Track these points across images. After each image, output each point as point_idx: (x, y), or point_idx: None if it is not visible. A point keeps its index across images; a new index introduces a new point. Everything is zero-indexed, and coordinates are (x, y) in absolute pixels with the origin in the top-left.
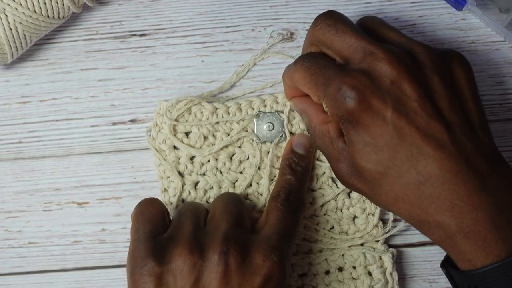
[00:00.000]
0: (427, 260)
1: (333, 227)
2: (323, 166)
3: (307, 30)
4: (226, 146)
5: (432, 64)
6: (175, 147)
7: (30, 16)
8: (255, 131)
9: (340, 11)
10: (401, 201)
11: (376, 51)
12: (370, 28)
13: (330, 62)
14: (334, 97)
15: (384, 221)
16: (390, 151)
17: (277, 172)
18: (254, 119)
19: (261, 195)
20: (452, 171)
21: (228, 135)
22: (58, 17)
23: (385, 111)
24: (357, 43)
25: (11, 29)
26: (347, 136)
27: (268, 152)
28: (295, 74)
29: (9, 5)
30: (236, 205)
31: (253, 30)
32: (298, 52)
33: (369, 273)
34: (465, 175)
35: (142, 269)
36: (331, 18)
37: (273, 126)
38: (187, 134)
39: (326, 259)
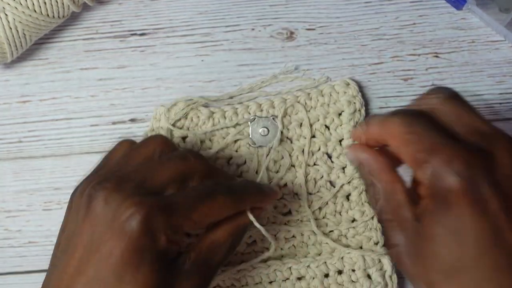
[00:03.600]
0: None
1: (332, 231)
2: (321, 170)
3: (307, 29)
4: (223, 150)
5: None
6: None
7: (30, 15)
8: (250, 135)
9: (340, 11)
10: None
11: (502, 136)
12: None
13: (439, 127)
14: (440, 167)
15: None
16: (478, 251)
17: (274, 175)
18: (249, 123)
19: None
20: None
21: (224, 139)
22: (58, 16)
23: (492, 203)
24: (480, 124)
25: (10, 28)
26: (433, 215)
27: (264, 155)
28: (391, 123)
29: (8, 4)
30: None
31: (253, 29)
32: (298, 52)
33: (369, 276)
34: None
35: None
36: (459, 97)
37: (268, 131)
38: (183, 138)
39: (325, 262)
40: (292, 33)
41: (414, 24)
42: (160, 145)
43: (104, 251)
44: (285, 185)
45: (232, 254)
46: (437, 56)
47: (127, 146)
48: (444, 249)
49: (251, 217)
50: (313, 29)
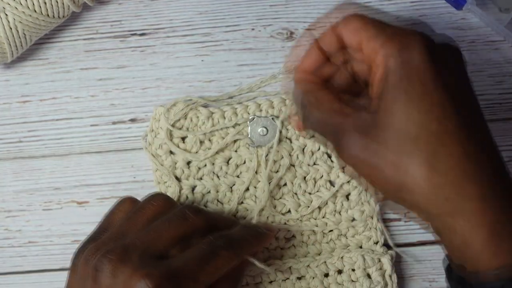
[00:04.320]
0: (427, 260)
1: (331, 230)
2: (321, 170)
3: (307, 29)
4: (222, 150)
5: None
6: (171, 152)
7: (30, 15)
8: (249, 135)
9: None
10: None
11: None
12: None
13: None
14: (406, 44)
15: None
16: (439, 117)
17: (273, 175)
18: (248, 123)
19: (260, 200)
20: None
21: (224, 139)
22: (58, 16)
23: (450, 79)
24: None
25: (11, 28)
26: (393, 90)
27: (263, 155)
28: (352, 19)
29: (9, 4)
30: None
31: (253, 29)
32: (298, 52)
33: (368, 276)
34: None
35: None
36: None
37: (267, 131)
38: (183, 139)
39: (325, 262)
40: (292, 33)
41: (414, 24)
42: (161, 206)
43: None
44: (285, 184)
45: None
46: None
47: (129, 207)
48: (407, 119)
49: (255, 261)
50: (313, 29)
